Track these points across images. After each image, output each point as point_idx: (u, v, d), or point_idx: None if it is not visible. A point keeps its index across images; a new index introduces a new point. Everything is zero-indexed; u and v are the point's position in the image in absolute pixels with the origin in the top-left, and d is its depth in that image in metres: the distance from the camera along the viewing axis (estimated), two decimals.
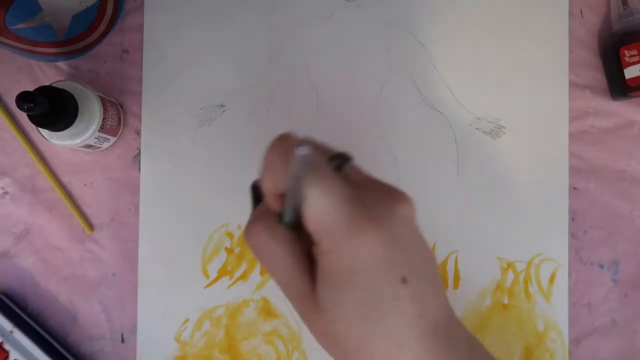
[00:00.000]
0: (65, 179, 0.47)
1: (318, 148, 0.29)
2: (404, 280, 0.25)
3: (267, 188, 0.28)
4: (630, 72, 0.43)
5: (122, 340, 0.46)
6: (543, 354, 0.44)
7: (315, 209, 0.25)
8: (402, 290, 0.25)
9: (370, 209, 0.26)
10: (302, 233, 0.28)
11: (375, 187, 0.28)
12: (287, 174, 0.25)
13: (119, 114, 0.46)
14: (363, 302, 0.25)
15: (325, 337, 0.27)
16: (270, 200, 0.28)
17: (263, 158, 0.28)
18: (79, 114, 0.41)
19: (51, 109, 0.38)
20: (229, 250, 0.46)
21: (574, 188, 0.45)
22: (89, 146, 0.44)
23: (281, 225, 0.27)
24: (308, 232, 0.27)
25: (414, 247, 0.27)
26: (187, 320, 0.45)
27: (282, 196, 0.27)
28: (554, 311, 0.44)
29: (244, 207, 0.46)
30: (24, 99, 0.35)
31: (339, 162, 0.29)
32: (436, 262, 0.28)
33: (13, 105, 0.47)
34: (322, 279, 0.26)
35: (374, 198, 0.27)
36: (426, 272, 0.27)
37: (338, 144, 0.46)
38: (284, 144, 0.28)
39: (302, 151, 0.23)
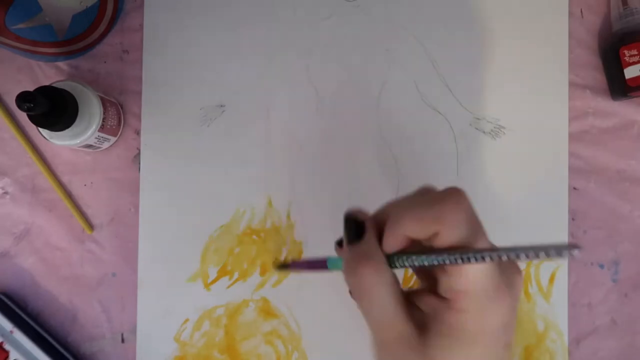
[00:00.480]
0: (65, 179, 0.47)
1: None
2: (507, 347, 0.28)
3: (407, 229, 0.27)
4: (630, 72, 0.43)
5: (122, 340, 0.46)
6: (543, 354, 0.44)
7: (472, 270, 0.26)
8: (504, 356, 0.28)
9: (506, 277, 0.27)
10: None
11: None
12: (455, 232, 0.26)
13: (119, 114, 0.46)
14: None
15: None
16: (395, 242, 0.28)
17: (431, 200, 0.27)
18: (79, 114, 0.41)
19: (51, 109, 0.38)
20: (229, 250, 0.46)
21: (574, 188, 0.45)
22: (89, 146, 0.44)
23: (389, 268, 0.28)
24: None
25: (517, 312, 0.29)
26: (186, 320, 0.46)
27: (412, 241, 0.28)
28: (553, 311, 0.44)
29: (245, 207, 0.46)
30: (24, 99, 0.35)
31: None
32: None
33: (13, 105, 0.47)
34: (443, 334, 0.27)
35: (504, 267, 0.28)
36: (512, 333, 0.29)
37: (338, 144, 0.46)
38: (467, 204, 0.27)
39: (575, 253, 0.23)
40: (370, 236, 0.29)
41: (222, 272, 0.46)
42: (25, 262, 0.47)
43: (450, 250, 0.26)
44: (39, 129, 0.41)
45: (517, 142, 0.45)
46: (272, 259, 0.46)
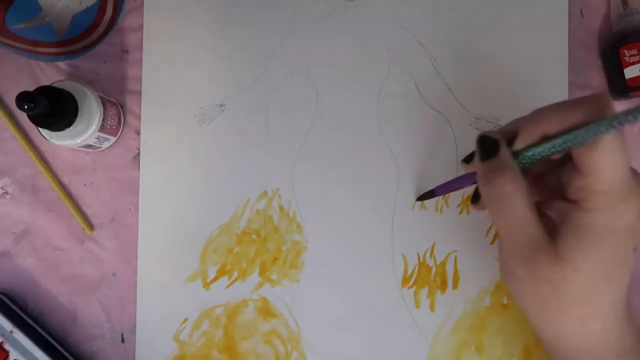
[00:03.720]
0: (65, 179, 0.47)
1: None
2: (634, 249, 0.30)
3: (544, 125, 0.29)
4: (630, 72, 0.43)
5: (122, 340, 0.46)
6: (542, 354, 0.44)
7: (612, 165, 0.27)
8: (631, 258, 0.30)
9: (635, 180, 0.29)
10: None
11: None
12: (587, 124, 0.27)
13: (119, 114, 0.46)
14: (608, 259, 0.29)
15: (547, 284, 0.29)
16: (529, 138, 0.30)
17: (559, 103, 0.30)
18: (79, 114, 0.41)
19: (51, 109, 0.38)
20: (229, 250, 0.46)
21: None
22: (89, 146, 0.44)
23: (524, 178, 0.29)
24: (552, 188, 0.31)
25: None
26: (185, 319, 0.46)
27: (544, 137, 0.29)
28: None
29: (244, 206, 0.46)
30: (24, 99, 0.35)
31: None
32: None
33: (13, 105, 0.47)
34: (572, 232, 0.29)
35: (635, 173, 0.29)
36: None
37: (337, 144, 0.46)
38: (602, 99, 0.29)
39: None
40: (504, 150, 0.30)
41: (222, 272, 0.46)
42: (25, 262, 0.47)
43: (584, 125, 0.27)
44: (39, 129, 0.41)
45: None
46: (271, 259, 0.46)
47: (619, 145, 0.27)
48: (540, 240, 0.29)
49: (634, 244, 0.29)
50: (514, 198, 0.29)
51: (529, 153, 0.30)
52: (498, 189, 0.29)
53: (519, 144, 0.31)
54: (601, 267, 0.28)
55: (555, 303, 0.30)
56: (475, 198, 0.36)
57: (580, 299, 0.29)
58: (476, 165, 0.32)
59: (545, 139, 0.29)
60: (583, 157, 0.28)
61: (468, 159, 0.34)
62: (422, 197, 0.45)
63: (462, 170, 0.37)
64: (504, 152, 0.30)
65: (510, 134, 0.32)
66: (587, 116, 0.28)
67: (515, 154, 0.31)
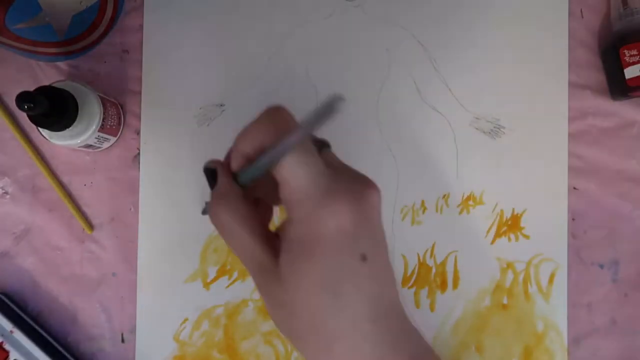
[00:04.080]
0: (65, 179, 0.47)
1: None
2: (363, 258, 0.26)
3: (243, 148, 0.29)
4: (630, 72, 0.43)
5: (122, 340, 0.46)
6: (542, 354, 0.44)
7: (294, 175, 0.26)
8: (362, 267, 0.26)
9: (344, 187, 0.27)
10: (262, 209, 0.31)
11: (349, 172, 0.30)
12: (274, 141, 0.27)
13: (119, 114, 0.46)
14: (324, 272, 0.26)
15: (282, 309, 0.28)
16: (237, 162, 0.29)
17: (253, 123, 0.29)
18: (79, 114, 0.41)
19: (51, 109, 0.38)
20: (229, 250, 0.46)
21: (574, 188, 0.45)
22: (89, 146, 0.44)
23: (241, 203, 0.29)
24: (267, 207, 0.29)
25: (377, 232, 0.28)
26: (185, 319, 0.46)
27: (250, 160, 0.29)
28: (553, 311, 0.44)
29: None
30: (24, 99, 0.35)
31: (319, 146, 0.31)
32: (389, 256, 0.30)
33: (13, 105, 0.47)
34: (287, 249, 0.27)
35: (348, 179, 0.28)
36: (384, 259, 0.28)
37: (337, 144, 0.46)
38: (280, 112, 0.29)
39: (339, 105, 0.24)
40: (221, 177, 0.30)
41: (222, 272, 0.46)
42: (25, 262, 0.47)
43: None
44: (39, 129, 0.41)
45: (517, 142, 0.45)
46: None
47: (296, 154, 0.26)
48: (266, 265, 0.28)
49: (357, 252, 0.26)
50: (233, 227, 0.28)
51: (242, 176, 0.29)
52: (217, 219, 0.29)
53: (233, 167, 0.30)
54: (319, 280, 0.26)
55: (295, 328, 0.28)
56: None
57: (312, 320, 0.27)
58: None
59: (251, 160, 0.29)
60: (273, 170, 0.27)
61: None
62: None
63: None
64: (221, 181, 0.30)
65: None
66: (274, 134, 0.27)
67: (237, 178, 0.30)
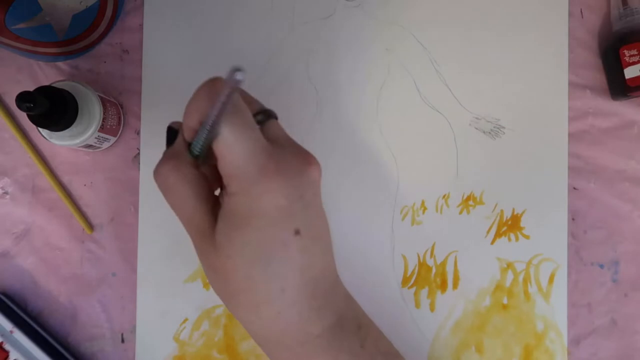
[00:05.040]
0: (65, 179, 0.47)
1: (246, 99, 0.31)
2: (297, 232, 0.28)
3: (188, 121, 0.29)
4: (630, 72, 0.43)
5: (122, 340, 0.46)
6: (542, 354, 0.44)
7: (229, 149, 0.27)
8: (293, 241, 0.28)
9: (282, 163, 0.28)
10: (212, 175, 0.30)
11: (290, 146, 0.30)
12: (211, 105, 0.26)
13: (119, 114, 0.46)
14: (255, 243, 0.27)
15: (215, 273, 0.29)
16: (187, 134, 0.30)
17: (193, 97, 0.29)
18: (79, 114, 0.41)
19: (51, 109, 0.38)
20: None
21: (574, 188, 0.45)
22: (89, 146, 0.44)
23: (190, 167, 0.29)
24: (217, 175, 0.29)
25: (314, 208, 0.29)
26: (185, 319, 0.46)
27: (195, 130, 0.29)
28: (553, 311, 0.44)
29: None
30: (24, 99, 0.35)
31: (263, 117, 0.31)
32: (329, 230, 0.32)
33: (13, 105, 0.47)
34: (223, 218, 0.28)
35: (287, 155, 0.29)
36: (319, 233, 0.30)
37: (337, 144, 0.46)
38: (216, 83, 0.29)
39: (238, 75, 0.23)
40: (179, 138, 0.30)
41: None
42: (25, 262, 0.47)
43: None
44: (39, 129, 0.41)
45: (517, 142, 0.45)
46: None
47: (232, 128, 0.27)
48: (205, 230, 0.29)
49: (291, 226, 0.28)
50: (179, 187, 0.29)
51: (192, 145, 0.29)
52: (162, 177, 0.29)
53: (186, 136, 0.30)
54: (252, 252, 0.27)
55: (227, 291, 0.29)
56: None
57: (243, 285, 0.28)
58: None
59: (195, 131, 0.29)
60: (213, 144, 0.28)
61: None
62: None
63: None
64: (178, 141, 0.30)
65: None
66: (210, 104, 0.27)
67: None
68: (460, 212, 0.45)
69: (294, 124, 0.46)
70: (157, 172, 0.29)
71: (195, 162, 0.30)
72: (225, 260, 0.28)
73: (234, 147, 0.27)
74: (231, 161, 0.27)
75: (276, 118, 0.32)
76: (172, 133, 0.31)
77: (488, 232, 0.45)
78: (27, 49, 0.44)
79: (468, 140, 0.46)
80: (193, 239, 0.30)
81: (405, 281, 0.45)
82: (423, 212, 0.46)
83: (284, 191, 0.27)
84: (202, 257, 0.30)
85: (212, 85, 0.29)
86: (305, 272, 0.29)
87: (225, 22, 0.47)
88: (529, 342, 0.44)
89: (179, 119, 0.46)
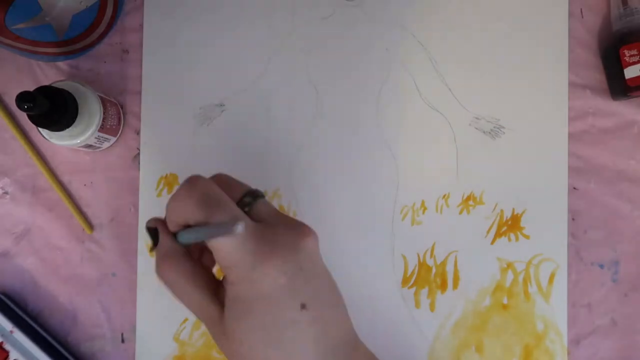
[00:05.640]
0: (65, 179, 0.47)
1: (231, 185, 0.31)
2: (303, 307, 0.28)
3: (173, 218, 0.30)
4: (630, 72, 0.43)
5: (122, 340, 0.46)
6: (542, 354, 0.44)
7: (221, 245, 0.27)
8: (302, 316, 0.28)
9: (275, 243, 0.28)
10: (210, 258, 0.32)
11: (282, 222, 0.30)
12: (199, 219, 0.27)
13: (119, 114, 0.46)
14: (264, 326, 0.28)
15: (232, 357, 0.30)
16: (172, 227, 0.30)
17: (174, 197, 0.29)
18: (79, 114, 0.41)
19: (51, 109, 0.38)
20: None
21: (574, 188, 0.45)
22: (89, 146, 0.44)
23: (185, 261, 0.30)
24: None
25: (316, 278, 0.29)
26: (185, 320, 0.46)
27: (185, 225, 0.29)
28: (553, 312, 0.44)
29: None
30: (24, 99, 0.35)
31: (250, 199, 0.31)
32: (338, 291, 0.31)
33: (13, 105, 0.47)
34: (228, 307, 0.29)
35: (279, 233, 0.29)
36: (328, 299, 0.30)
37: (337, 144, 0.46)
38: (197, 182, 0.29)
39: (239, 229, 0.25)
40: (162, 236, 0.31)
41: (222, 272, 0.46)
42: (25, 262, 0.47)
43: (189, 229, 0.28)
44: (39, 129, 0.41)
45: (517, 142, 0.45)
46: None
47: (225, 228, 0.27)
48: (214, 317, 0.30)
49: (297, 303, 0.28)
50: (180, 283, 0.30)
51: (180, 238, 0.30)
52: (163, 278, 0.30)
53: (170, 228, 0.30)
54: (262, 335, 0.28)
55: None
56: None
57: None
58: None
59: (187, 225, 0.29)
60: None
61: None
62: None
63: None
64: (163, 239, 0.30)
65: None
66: (194, 208, 0.28)
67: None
68: (460, 212, 0.45)
69: (294, 124, 0.46)
70: (158, 272, 0.30)
71: (187, 252, 0.30)
72: (238, 346, 0.28)
73: (225, 243, 0.27)
74: (225, 255, 0.27)
75: (263, 196, 0.32)
76: (154, 231, 0.31)
77: (488, 232, 0.45)
78: (27, 49, 0.44)
79: (468, 140, 0.46)
80: (206, 326, 0.31)
81: (405, 281, 0.45)
82: (423, 212, 0.46)
83: (282, 270, 0.27)
84: (217, 341, 0.30)
85: (192, 185, 0.29)
86: (321, 342, 0.29)
87: (226, 22, 0.47)
88: (529, 342, 0.44)
89: (179, 118, 0.47)
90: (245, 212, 0.30)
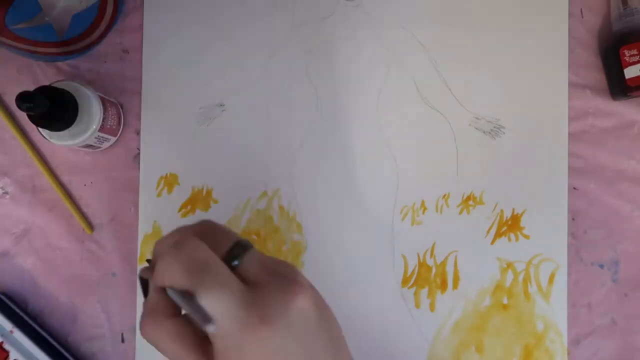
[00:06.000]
0: (65, 179, 0.47)
1: (218, 235, 0.30)
2: None
3: (158, 282, 0.28)
4: (630, 72, 0.43)
5: (122, 340, 0.46)
6: (542, 354, 0.44)
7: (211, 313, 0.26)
8: None
9: (265, 308, 0.27)
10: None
11: (272, 280, 0.29)
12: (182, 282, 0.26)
13: (119, 114, 0.46)
14: None
15: None
16: (158, 292, 0.29)
17: (158, 253, 0.29)
18: (79, 114, 0.41)
19: (51, 109, 0.38)
20: None
21: (574, 188, 0.45)
22: (89, 146, 0.44)
23: (170, 319, 0.28)
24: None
25: (312, 337, 0.28)
26: None
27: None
28: (553, 311, 0.44)
29: (244, 206, 0.46)
30: (24, 99, 0.35)
31: (239, 250, 0.29)
32: (341, 342, 0.31)
33: (13, 105, 0.47)
34: None
35: (270, 295, 0.27)
36: (324, 354, 0.28)
37: (337, 144, 0.46)
38: (184, 252, 0.28)
39: (210, 329, 0.25)
40: (151, 292, 0.29)
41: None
42: (25, 262, 0.47)
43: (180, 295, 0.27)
44: (39, 129, 0.41)
45: (517, 142, 0.45)
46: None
47: (205, 296, 0.26)
48: None
49: None
50: (165, 342, 0.28)
51: (169, 293, 0.28)
52: (148, 336, 0.28)
53: (158, 283, 0.29)
54: None
55: None
56: None
57: None
58: None
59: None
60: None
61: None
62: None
63: None
64: (150, 297, 0.29)
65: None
66: (180, 274, 0.27)
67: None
68: (460, 212, 0.45)
69: (294, 124, 0.46)
70: (142, 330, 0.29)
71: (174, 310, 0.29)
72: None
73: (211, 311, 0.26)
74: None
75: (252, 247, 0.30)
76: (144, 283, 0.30)
77: (488, 232, 0.45)
78: (27, 49, 0.44)
79: (468, 140, 0.46)
80: None
81: (405, 281, 0.45)
82: (423, 212, 0.46)
83: (272, 337, 0.26)
84: None
85: (179, 249, 0.28)
86: None
87: (225, 22, 0.47)
88: (529, 342, 0.44)
89: (179, 118, 0.47)
90: (233, 268, 0.28)
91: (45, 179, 0.47)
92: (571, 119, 0.46)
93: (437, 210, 0.46)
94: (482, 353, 0.44)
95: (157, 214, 0.46)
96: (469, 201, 0.45)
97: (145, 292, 0.30)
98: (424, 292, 0.45)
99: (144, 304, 0.30)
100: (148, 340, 0.29)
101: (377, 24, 0.47)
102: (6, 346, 0.43)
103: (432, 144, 0.46)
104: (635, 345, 0.44)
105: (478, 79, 0.46)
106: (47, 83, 0.42)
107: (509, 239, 0.45)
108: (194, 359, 0.28)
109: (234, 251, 0.29)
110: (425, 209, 0.46)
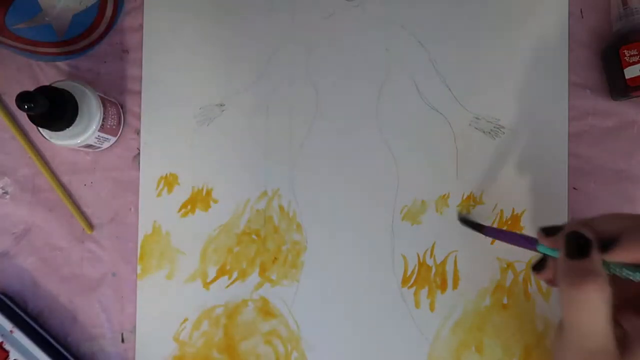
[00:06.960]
0: (65, 179, 0.47)
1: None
2: None
3: (619, 259, 0.28)
4: (630, 72, 0.43)
5: (122, 340, 0.46)
6: (542, 354, 0.44)
7: None
8: None
9: None
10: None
11: None
12: None
13: (119, 113, 0.46)
14: None
15: None
16: (625, 257, 0.28)
17: (625, 228, 0.28)
18: (79, 114, 0.41)
19: (51, 109, 0.38)
20: (228, 250, 0.46)
21: (574, 188, 0.45)
22: (89, 146, 0.44)
23: (609, 288, 0.28)
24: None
25: None
26: (185, 319, 0.46)
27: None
28: (553, 311, 0.44)
29: (244, 206, 0.46)
30: (24, 99, 0.35)
31: None
32: None
33: (13, 105, 0.47)
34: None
35: None
36: None
37: (337, 144, 0.46)
38: None
39: None
40: (597, 256, 0.28)
41: (221, 272, 0.46)
42: (25, 262, 0.47)
43: None
44: (39, 129, 0.41)
45: (517, 142, 0.45)
46: (271, 259, 0.46)
47: None
48: (611, 353, 0.28)
49: None
50: (598, 308, 0.27)
51: (624, 272, 0.28)
52: (584, 295, 0.27)
53: (616, 256, 0.28)
54: None
55: None
56: (540, 267, 0.34)
57: None
58: (560, 257, 0.30)
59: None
60: None
61: (549, 231, 0.32)
62: (465, 221, 0.43)
63: (540, 240, 0.34)
64: (596, 258, 0.28)
65: (603, 234, 0.29)
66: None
67: (605, 261, 0.28)
68: (461, 212, 0.45)
69: (294, 124, 0.46)
70: (578, 287, 0.28)
71: (609, 278, 0.28)
72: None
73: None
74: None
75: None
76: (584, 244, 0.29)
77: None
78: (27, 49, 0.44)
79: (468, 140, 0.46)
80: (591, 354, 0.28)
81: (405, 281, 0.45)
82: (423, 212, 0.46)
83: None
84: None
85: None
86: None
87: (225, 22, 0.47)
88: (529, 342, 0.44)
89: (179, 118, 0.47)
90: None
91: (45, 179, 0.47)
92: (571, 119, 0.46)
93: (437, 210, 0.45)
94: (482, 353, 0.44)
95: (157, 214, 0.46)
96: (469, 201, 0.45)
97: (575, 250, 0.29)
98: (424, 292, 0.45)
99: (579, 261, 0.28)
100: (578, 297, 0.28)
101: (377, 24, 0.47)
102: (6, 346, 0.43)
103: (432, 144, 0.46)
104: None
105: (478, 79, 0.46)
106: (47, 83, 0.42)
107: None
108: (610, 333, 0.27)
109: None
110: (425, 209, 0.46)
